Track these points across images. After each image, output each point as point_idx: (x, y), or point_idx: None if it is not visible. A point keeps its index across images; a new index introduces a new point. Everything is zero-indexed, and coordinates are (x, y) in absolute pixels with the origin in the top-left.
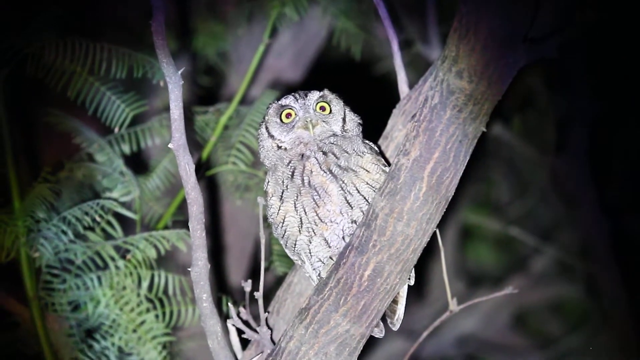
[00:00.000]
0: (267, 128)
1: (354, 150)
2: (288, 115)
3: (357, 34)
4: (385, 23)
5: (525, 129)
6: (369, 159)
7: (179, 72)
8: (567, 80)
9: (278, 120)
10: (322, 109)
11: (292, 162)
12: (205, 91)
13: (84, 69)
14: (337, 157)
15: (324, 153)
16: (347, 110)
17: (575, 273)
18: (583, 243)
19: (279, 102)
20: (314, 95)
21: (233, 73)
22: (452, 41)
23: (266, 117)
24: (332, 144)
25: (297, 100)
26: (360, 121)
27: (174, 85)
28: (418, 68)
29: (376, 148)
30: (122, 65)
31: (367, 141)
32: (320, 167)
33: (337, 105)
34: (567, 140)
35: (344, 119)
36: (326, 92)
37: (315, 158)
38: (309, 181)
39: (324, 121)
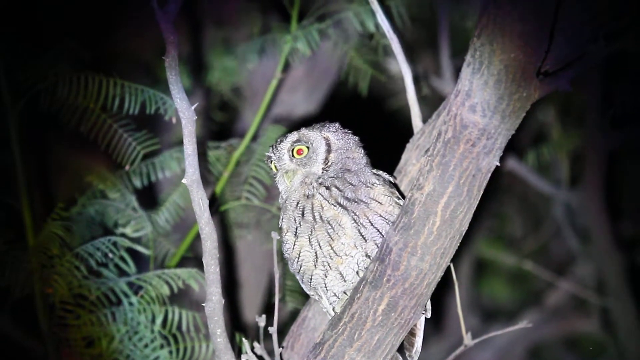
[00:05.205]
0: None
1: (360, 182)
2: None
3: (365, 71)
4: (399, 58)
5: (539, 163)
6: (380, 191)
7: (193, 107)
8: (581, 113)
9: (272, 170)
10: (300, 152)
11: (299, 203)
12: (220, 126)
13: (96, 105)
14: (340, 190)
15: (327, 188)
16: (335, 138)
17: (590, 307)
18: (598, 277)
19: (267, 154)
20: (286, 143)
21: (247, 108)
22: (465, 75)
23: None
24: (333, 177)
25: (273, 151)
26: (358, 145)
27: (187, 121)
28: (432, 102)
29: (390, 179)
30: (135, 100)
31: (379, 172)
32: (328, 202)
33: (316, 142)
34: (581, 174)
35: (328, 152)
36: (303, 132)
37: (320, 194)
38: (321, 216)
39: (304, 164)
